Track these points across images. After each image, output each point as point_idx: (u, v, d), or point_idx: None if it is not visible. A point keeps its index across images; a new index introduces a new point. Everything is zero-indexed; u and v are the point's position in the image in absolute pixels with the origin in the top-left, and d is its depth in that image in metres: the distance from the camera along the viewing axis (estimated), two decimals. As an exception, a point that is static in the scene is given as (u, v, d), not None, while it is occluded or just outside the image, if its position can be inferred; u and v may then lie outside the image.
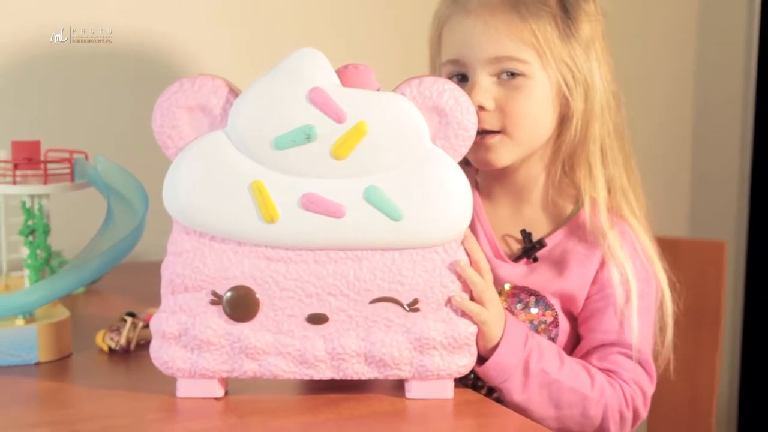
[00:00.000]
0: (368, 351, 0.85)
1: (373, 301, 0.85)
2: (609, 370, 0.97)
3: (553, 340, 1.00)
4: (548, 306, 1.00)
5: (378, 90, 0.84)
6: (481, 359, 0.90)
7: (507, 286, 1.01)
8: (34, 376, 0.94)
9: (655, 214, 1.06)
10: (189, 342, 0.85)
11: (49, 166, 1.03)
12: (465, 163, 0.88)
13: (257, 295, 0.84)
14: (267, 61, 0.84)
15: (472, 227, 0.92)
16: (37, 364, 0.97)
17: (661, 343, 1.02)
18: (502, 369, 0.90)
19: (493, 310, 0.87)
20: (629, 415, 0.97)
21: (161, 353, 0.85)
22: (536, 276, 1.01)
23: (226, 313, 0.85)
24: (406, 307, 0.85)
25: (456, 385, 0.88)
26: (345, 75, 0.83)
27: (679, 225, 1.95)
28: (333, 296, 0.84)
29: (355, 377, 0.86)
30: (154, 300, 0.88)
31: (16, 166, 1.02)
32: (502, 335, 0.89)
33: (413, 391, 0.87)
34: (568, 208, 1.04)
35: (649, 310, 1.00)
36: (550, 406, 0.93)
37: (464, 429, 0.85)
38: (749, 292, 1.89)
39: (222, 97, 0.83)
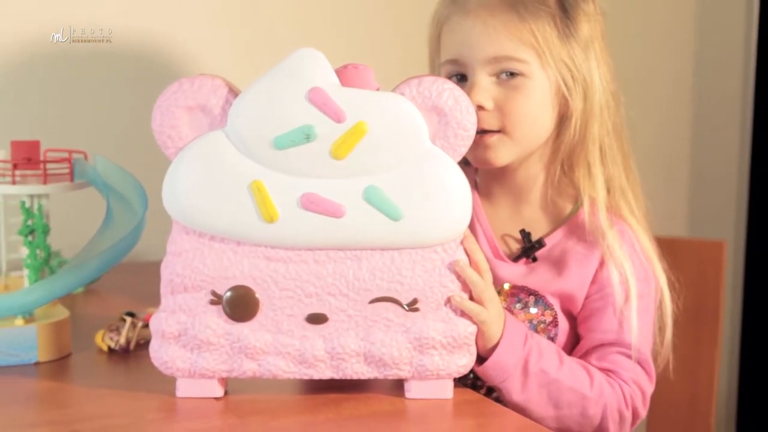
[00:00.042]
0: (368, 351, 0.85)
1: (372, 301, 0.85)
2: (608, 370, 0.97)
3: (552, 339, 1.00)
4: (547, 306, 1.01)
5: (377, 90, 0.84)
6: (481, 359, 0.90)
7: (506, 286, 1.01)
8: (34, 376, 0.94)
9: (654, 214, 1.06)
10: (188, 342, 0.85)
11: (49, 166, 1.03)
12: (464, 163, 0.88)
13: (257, 295, 0.84)
14: (267, 61, 0.84)
15: (472, 227, 0.92)
16: (37, 363, 0.97)
17: (660, 342, 1.02)
18: (502, 369, 0.90)
19: (493, 310, 0.88)
20: (628, 415, 0.97)
21: (161, 353, 0.86)
22: (535, 276, 1.01)
23: (226, 313, 0.85)
24: (406, 306, 0.85)
25: (455, 385, 0.88)
26: (344, 75, 0.83)
27: (678, 225, 1.95)
28: (332, 296, 0.85)
29: (355, 377, 0.86)
30: (154, 300, 0.88)
31: (15, 166, 1.03)
32: (502, 335, 0.89)
33: (413, 390, 0.87)
34: (568, 207, 1.04)
35: (648, 309, 1.00)
36: (550, 405, 0.93)
37: (464, 428, 0.85)
38: (748, 292, 1.90)
39: (221, 96, 0.83)
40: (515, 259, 1.03)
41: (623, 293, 0.98)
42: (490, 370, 0.90)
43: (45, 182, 1.02)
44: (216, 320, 0.85)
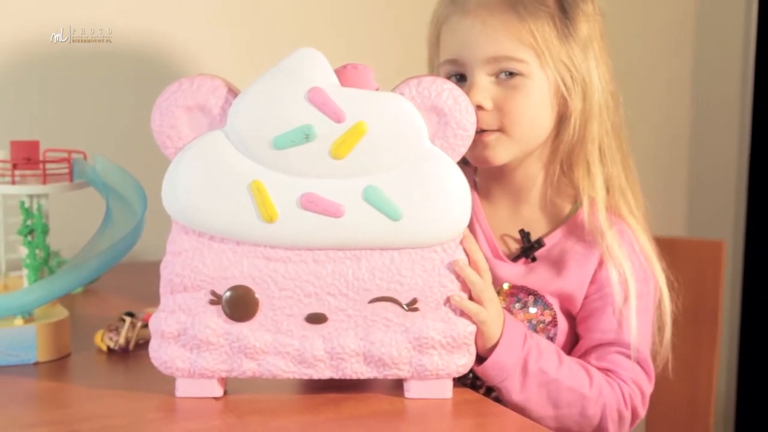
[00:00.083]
0: (367, 350, 0.85)
1: (372, 301, 0.85)
2: (607, 370, 0.97)
3: (551, 339, 1.00)
4: (547, 305, 1.01)
5: (377, 90, 0.84)
6: (480, 359, 0.90)
7: (506, 286, 1.01)
8: (33, 376, 0.94)
9: (653, 214, 1.06)
10: (188, 342, 0.85)
11: (48, 166, 1.03)
12: (463, 163, 0.88)
13: (256, 295, 0.85)
14: (267, 61, 0.84)
15: (471, 227, 0.92)
16: (36, 363, 0.97)
17: (659, 342, 1.02)
18: (501, 368, 0.90)
19: (492, 310, 0.88)
20: (628, 415, 0.97)
21: (160, 353, 0.86)
22: (535, 275, 1.01)
23: (225, 313, 0.85)
24: (405, 306, 0.85)
25: (455, 385, 0.88)
26: (344, 75, 0.83)
27: (677, 225, 1.95)
28: (332, 296, 0.85)
29: (354, 377, 0.86)
30: (153, 300, 0.88)
31: (14, 166, 1.03)
32: (501, 335, 0.89)
33: (412, 390, 0.87)
34: (567, 207, 1.04)
35: (647, 309, 1.00)
36: (549, 405, 0.93)
37: (463, 428, 0.85)
38: (747, 292, 1.90)
39: (221, 96, 0.83)
40: (514, 258, 1.03)
41: (622, 293, 0.98)
42: (490, 370, 0.90)
43: (44, 182, 1.02)
44: (215, 320, 0.85)
